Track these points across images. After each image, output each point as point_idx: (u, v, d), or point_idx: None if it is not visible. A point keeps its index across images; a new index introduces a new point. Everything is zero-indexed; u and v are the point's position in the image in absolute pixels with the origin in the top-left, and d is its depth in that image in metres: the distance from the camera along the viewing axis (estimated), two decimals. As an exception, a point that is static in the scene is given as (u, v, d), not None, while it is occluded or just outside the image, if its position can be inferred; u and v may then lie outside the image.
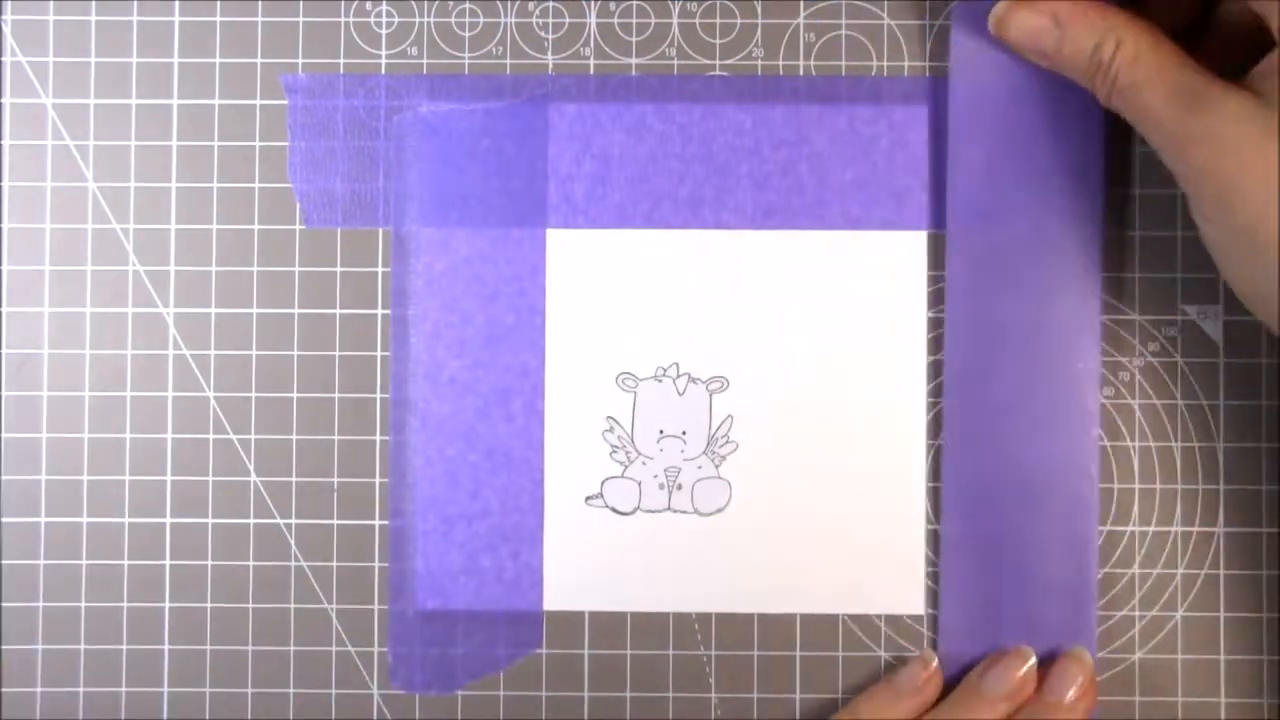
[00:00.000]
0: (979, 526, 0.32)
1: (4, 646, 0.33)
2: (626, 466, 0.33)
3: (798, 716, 0.33)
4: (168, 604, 0.33)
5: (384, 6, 0.34)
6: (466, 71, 0.33)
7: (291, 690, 0.33)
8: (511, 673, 0.33)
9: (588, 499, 0.33)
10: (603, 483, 0.33)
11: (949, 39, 0.32)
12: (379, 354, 0.33)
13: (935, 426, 0.33)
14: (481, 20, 0.34)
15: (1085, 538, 0.32)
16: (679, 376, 0.33)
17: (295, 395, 0.33)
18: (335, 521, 0.33)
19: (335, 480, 0.33)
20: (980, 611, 0.32)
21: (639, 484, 0.33)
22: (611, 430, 0.33)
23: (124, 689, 0.33)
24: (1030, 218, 0.32)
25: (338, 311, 0.33)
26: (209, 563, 0.33)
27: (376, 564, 0.33)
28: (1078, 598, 0.32)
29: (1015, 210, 0.32)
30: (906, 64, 0.33)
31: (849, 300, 0.33)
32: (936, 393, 0.33)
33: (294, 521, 0.33)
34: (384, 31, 0.34)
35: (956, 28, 0.32)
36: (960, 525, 0.32)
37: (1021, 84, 0.32)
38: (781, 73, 0.33)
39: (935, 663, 0.32)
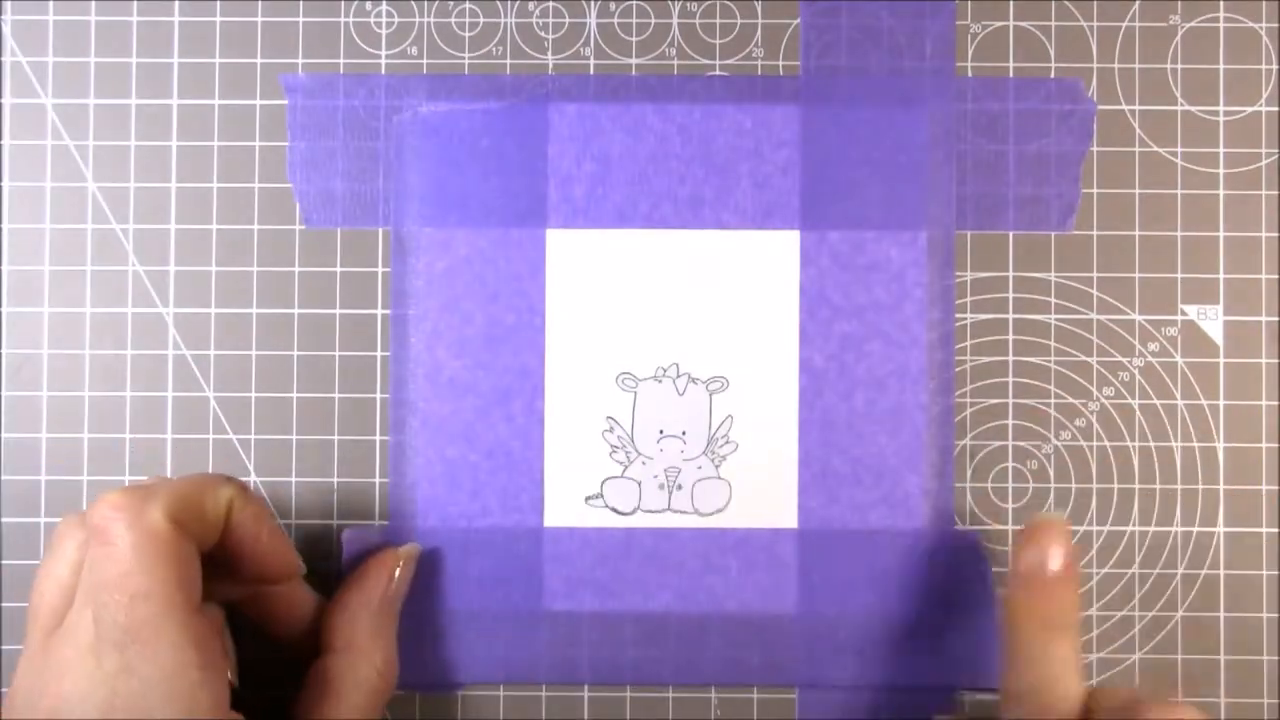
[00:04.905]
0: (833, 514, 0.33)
1: (4, 646, 0.33)
2: (626, 466, 0.33)
3: (797, 717, 0.33)
4: (168, 604, 0.33)
5: (384, 6, 0.34)
6: (466, 71, 0.33)
7: (291, 690, 0.33)
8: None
9: (588, 499, 0.33)
10: (603, 483, 0.33)
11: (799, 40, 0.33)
12: (379, 354, 0.33)
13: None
14: (481, 20, 0.34)
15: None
16: (679, 376, 0.33)
17: (295, 395, 0.33)
18: (335, 521, 0.33)
19: (335, 480, 0.33)
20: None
21: (639, 484, 0.33)
22: (611, 430, 0.33)
23: (124, 689, 0.33)
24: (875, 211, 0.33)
25: (338, 311, 0.33)
26: (209, 563, 0.33)
27: (376, 564, 0.33)
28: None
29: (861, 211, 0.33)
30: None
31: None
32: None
33: (294, 521, 0.33)
34: (384, 31, 0.34)
35: (806, 27, 0.33)
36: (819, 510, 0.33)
37: (866, 92, 0.33)
38: (781, 73, 0.33)
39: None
